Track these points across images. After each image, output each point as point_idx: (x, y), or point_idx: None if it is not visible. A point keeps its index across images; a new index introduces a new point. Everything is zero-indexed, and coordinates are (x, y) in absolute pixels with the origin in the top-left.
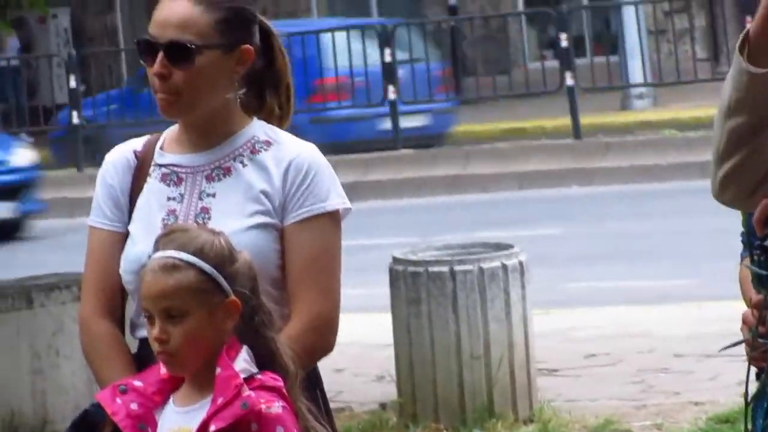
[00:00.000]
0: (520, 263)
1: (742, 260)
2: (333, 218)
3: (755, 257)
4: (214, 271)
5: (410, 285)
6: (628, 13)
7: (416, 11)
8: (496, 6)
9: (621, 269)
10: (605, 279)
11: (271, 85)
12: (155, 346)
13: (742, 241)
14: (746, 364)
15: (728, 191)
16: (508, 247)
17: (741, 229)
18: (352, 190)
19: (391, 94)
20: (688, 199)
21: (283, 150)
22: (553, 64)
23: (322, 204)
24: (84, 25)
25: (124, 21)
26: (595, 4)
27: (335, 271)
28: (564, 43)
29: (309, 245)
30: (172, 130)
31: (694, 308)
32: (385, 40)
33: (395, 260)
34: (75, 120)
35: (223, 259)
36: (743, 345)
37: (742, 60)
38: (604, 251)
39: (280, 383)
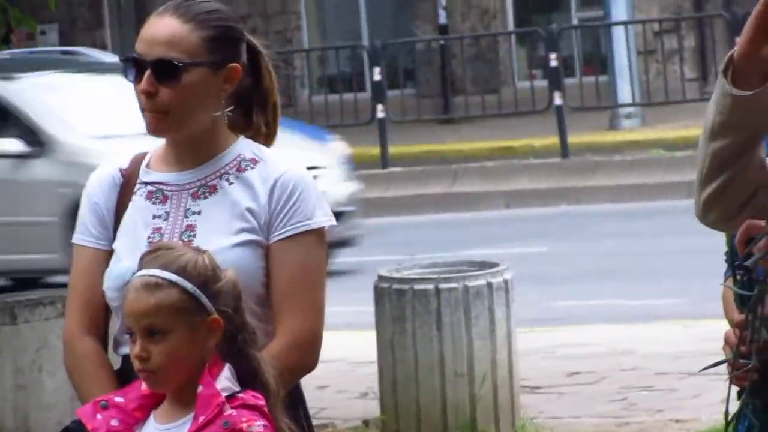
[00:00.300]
0: (505, 281)
1: (725, 279)
2: (318, 236)
3: (737, 277)
4: (197, 290)
5: (395, 302)
6: (618, 33)
7: (406, 30)
8: (486, 25)
9: (608, 288)
10: (592, 297)
11: (259, 104)
12: (136, 364)
13: (726, 261)
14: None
15: (711, 213)
16: (494, 265)
17: (725, 248)
18: None
19: None
20: (675, 219)
21: (269, 168)
22: (542, 83)
23: (307, 222)
24: (73, 41)
25: (113, 37)
26: (585, 24)
27: (320, 289)
28: (553, 63)
29: (294, 263)
30: (159, 148)
31: (680, 327)
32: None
33: (380, 278)
34: None
35: (206, 277)
36: (726, 364)
37: (726, 82)
38: (591, 270)
39: (262, 402)
